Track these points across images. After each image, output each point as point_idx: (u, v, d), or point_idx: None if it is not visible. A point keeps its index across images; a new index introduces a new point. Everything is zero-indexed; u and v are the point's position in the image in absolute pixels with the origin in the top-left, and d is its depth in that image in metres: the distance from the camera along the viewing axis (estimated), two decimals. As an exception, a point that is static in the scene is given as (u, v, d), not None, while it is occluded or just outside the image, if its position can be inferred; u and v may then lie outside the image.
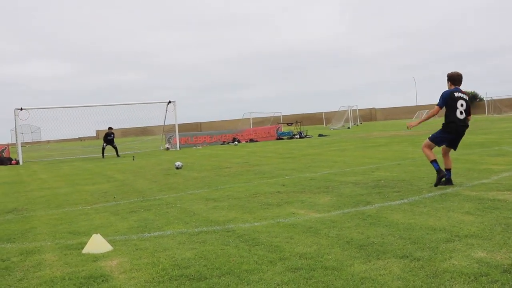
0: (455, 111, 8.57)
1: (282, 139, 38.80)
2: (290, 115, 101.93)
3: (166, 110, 34.51)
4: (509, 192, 8.03)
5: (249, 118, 67.72)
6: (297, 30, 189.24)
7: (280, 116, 70.02)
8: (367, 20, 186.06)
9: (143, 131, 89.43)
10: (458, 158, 13.75)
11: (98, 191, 12.74)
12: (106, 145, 29.61)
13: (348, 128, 62.51)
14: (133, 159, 24.98)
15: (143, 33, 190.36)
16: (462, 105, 8.56)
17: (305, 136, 39.19)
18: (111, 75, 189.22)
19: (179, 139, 34.15)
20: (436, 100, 9.12)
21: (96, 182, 15.22)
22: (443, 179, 8.93)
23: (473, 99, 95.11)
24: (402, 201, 8.04)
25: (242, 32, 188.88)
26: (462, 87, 8.99)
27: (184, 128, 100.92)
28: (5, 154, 32.37)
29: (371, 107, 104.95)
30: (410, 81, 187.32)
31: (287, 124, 43.40)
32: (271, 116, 72.25)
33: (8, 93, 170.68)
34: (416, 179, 10.39)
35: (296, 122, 41.94)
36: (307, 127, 79.03)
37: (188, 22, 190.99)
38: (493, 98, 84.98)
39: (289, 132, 40.30)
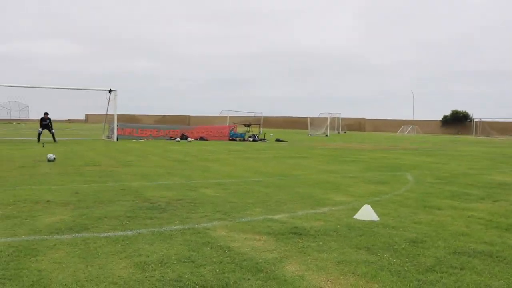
0: None
1: (235, 140, 36.99)
2: (275, 116, 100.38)
3: (108, 99, 32.72)
4: (260, 237, 6.15)
5: (227, 116, 65.98)
6: (309, 34, 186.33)
7: (260, 116, 68.31)
8: (379, 31, 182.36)
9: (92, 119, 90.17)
10: (324, 180, 11.91)
11: None
12: (42, 130, 28.28)
13: (326, 136, 60.69)
14: (43, 146, 23.40)
15: (160, 22, 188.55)
16: None
17: (260, 140, 37.29)
18: (122, 61, 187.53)
19: (117, 130, 32.33)
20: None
21: None
22: None
23: (464, 119, 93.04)
24: (120, 233, 6.20)
25: (252, 30, 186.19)
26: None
27: (172, 120, 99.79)
28: None
29: (361, 117, 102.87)
30: (410, 95, 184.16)
31: (244, 125, 41.39)
32: (251, 116, 70.45)
33: (17, 68, 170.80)
34: (222, 203, 8.54)
35: (249, 125, 39.90)
36: (288, 131, 77.41)
37: (202, 15, 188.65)
38: (482, 119, 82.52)
39: (242, 134, 38.40)
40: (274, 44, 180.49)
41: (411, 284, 4.51)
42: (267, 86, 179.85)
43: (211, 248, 5.59)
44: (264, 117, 70.18)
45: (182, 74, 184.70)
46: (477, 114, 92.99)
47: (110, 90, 32.26)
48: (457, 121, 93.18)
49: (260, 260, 5.14)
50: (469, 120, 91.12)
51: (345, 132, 77.92)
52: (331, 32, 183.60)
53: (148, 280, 4.48)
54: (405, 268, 5.00)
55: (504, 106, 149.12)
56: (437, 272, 4.87)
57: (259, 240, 6.01)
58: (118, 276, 4.57)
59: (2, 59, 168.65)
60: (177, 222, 6.94)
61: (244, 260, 5.14)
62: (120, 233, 6.21)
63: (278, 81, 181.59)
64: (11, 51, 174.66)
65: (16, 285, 4.30)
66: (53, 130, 28.66)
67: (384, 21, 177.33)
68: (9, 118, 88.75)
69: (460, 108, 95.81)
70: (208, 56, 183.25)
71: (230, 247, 5.64)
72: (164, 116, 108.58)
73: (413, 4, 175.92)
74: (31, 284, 4.32)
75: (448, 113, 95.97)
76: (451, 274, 4.83)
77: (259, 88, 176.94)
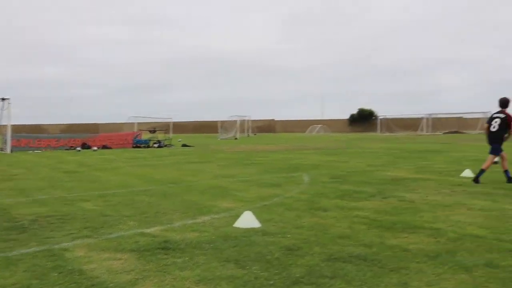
0: (490, 127, 11.70)
1: (139, 147, 35.85)
2: (186, 121, 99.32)
3: (1, 109, 30.52)
4: (122, 255, 5.51)
5: (134, 123, 64.20)
6: (219, 38, 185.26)
7: (169, 122, 67.02)
8: (296, 34, 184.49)
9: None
10: (216, 185, 11.41)
11: None
12: None
13: (235, 138, 60.58)
14: None
15: (70, 26, 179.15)
16: (496, 121, 11.60)
17: (166, 146, 36.38)
18: (24, 67, 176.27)
19: (11, 141, 30.29)
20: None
21: None
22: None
23: (369, 117, 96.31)
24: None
25: (161, 35, 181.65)
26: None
27: (79, 128, 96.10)
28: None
29: (271, 118, 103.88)
30: (320, 95, 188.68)
31: (150, 131, 40.25)
32: (160, 122, 68.95)
33: None
34: (95, 217, 7.80)
35: (154, 131, 38.83)
36: (199, 135, 76.63)
37: (111, 20, 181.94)
38: (387, 117, 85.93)
39: (147, 140, 37.32)
40: (184, 50, 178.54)
41: (272, 301, 4.08)
42: (179, 91, 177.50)
43: (60, 273, 4.91)
44: (175, 122, 68.85)
45: (91, 80, 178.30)
46: (382, 111, 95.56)
47: (3, 99, 30.10)
48: (364, 119, 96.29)
49: (111, 285, 4.54)
50: (374, 118, 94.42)
51: (255, 134, 78.31)
52: (239, 37, 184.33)
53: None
54: (271, 282, 4.58)
55: (407, 103, 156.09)
56: (304, 284, 4.48)
57: (120, 259, 5.40)
58: None
59: None
60: (33, 243, 6.17)
61: (93, 285, 4.52)
62: (-41, 261, 5.38)
63: (189, 86, 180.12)
64: None
65: None
66: None
67: (295, 22, 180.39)
68: None
69: (367, 107, 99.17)
70: (118, 62, 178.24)
71: (82, 270, 5.00)
72: (71, 125, 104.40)
73: (321, 6, 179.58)
74: None
75: (355, 111, 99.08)
76: (319, 285, 4.46)
77: (171, 94, 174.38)
